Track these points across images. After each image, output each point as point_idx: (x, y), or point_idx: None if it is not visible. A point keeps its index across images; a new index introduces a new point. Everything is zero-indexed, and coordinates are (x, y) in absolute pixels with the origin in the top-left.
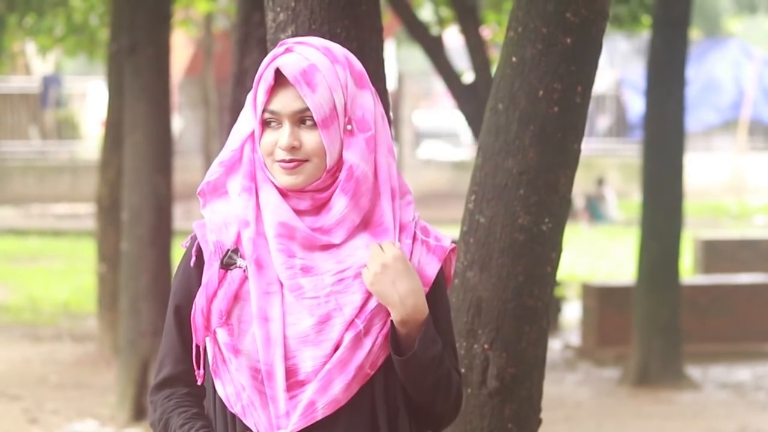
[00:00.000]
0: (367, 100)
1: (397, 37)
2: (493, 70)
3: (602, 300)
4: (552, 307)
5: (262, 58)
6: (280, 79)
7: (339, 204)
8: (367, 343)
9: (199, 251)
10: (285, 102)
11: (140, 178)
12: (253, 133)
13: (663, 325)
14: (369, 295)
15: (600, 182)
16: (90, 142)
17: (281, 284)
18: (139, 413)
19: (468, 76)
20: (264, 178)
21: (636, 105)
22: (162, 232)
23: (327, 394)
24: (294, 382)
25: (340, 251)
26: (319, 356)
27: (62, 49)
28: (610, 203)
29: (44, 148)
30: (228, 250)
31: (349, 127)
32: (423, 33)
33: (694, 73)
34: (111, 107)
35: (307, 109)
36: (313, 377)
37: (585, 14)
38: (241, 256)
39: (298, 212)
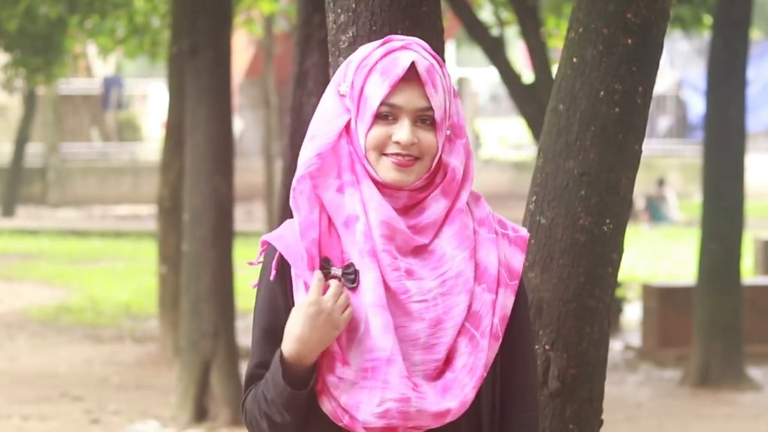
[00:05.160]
0: (460, 107)
1: (457, 38)
2: (553, 71)
3: (663, 301)
4: (613, 308)
5: (323, 60)
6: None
7: (438, 205)
8: (484, 343)
9: (279, 265)
10: (410, 98)
11: (201, 180)
12: (347, 125)
13: (724, 325)
14: (472, 295)
15: (661, 183)
16: (151, 144)
17: (386, 285)
18: (200, 414)
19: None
20: (364, 172)
21: (696, 105)
22: (223, 233)
23: (462, 400)
24: None
25: (432, 255)
26: (430, 360)
27: (123, 50)
28: (670, 204)
29: (105, 150)
30: (321, 260)
31: (448, 132)
32: (483, 34)
33: (755, 74)
34: (172, 109)
35: (430, 108)
36: (423, 381)
37: (646, 15)
38: (332, 265)
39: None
